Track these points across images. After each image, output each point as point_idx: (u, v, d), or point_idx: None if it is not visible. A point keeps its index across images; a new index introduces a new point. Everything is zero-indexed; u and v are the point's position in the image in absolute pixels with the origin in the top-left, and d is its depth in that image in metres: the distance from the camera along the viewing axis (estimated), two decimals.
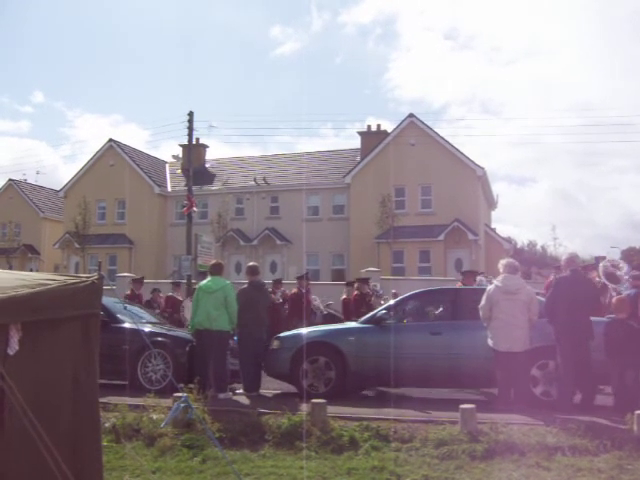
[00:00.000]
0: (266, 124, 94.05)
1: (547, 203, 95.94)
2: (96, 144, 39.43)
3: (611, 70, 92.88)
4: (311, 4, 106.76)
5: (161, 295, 16.66)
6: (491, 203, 39.20)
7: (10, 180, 45.35)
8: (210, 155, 42.20)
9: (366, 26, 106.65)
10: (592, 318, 8.59)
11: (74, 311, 3.78)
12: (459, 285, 12.49)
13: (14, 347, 3.23)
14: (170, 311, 15.58)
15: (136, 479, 6.25)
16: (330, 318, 15.42)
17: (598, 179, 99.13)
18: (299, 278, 14.31)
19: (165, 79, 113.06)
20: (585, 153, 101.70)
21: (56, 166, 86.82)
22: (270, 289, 14.76)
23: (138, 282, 16.87)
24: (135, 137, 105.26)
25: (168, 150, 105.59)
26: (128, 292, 16.28)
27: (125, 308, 10.28)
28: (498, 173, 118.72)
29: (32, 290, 3.46)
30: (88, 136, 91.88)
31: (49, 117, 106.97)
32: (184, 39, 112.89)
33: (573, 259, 8.85)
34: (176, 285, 17.96)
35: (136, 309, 12.11)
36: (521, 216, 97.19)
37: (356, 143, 38.38)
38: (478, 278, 13.52)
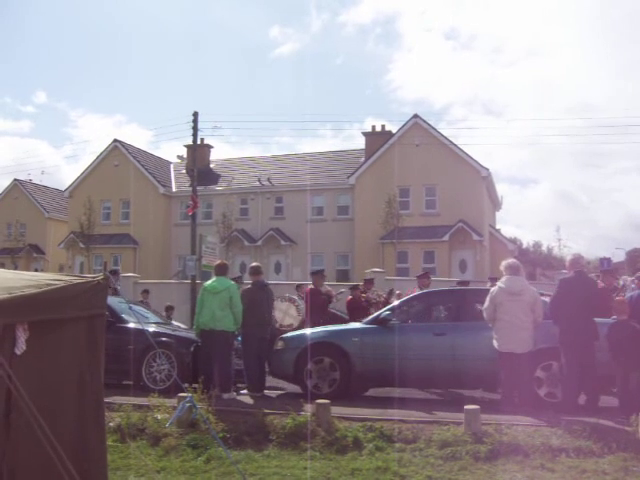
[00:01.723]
0: (267, 124, 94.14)
1: (549, 204, 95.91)
2: (99, 144, 39.73)
3: (613, 71, 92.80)
4: (310, 4, 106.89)
5: None
6: (496, 204, 39.13)
7: (15, 180, 45.47)
8: (214, 155, 42.29)
9: (366, 26, 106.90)
10: (597, 319, 8.58)
11: (80, 311, 3.80)
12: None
13: (21, 347, 3.25)
14: None
15: (141, 478, 6.28)
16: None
17: (600, 180, 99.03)
18: (420, 277, 13.60)
19: (167, 80, 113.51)
20: (587, 154, 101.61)
21: (58, 166, 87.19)
22: (361, 289, 14.30)
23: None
24: (138, 137, 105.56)
25: (170, 150, 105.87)
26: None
27: (130, 308, 10.29)
28: (500, 174, 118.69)
29: (39, 290, 3.48)
30: (91, 136, 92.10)
31: (52, 117, 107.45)
32: (185, 40, 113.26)
33: (577, 260, 8.84)
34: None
35: (141, 309, 12.13)
36: (523, 217, 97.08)
37: (357, 143, 38.44)
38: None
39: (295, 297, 14.63)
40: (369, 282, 15.10)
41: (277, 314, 13.75)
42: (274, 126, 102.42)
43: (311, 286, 12.03)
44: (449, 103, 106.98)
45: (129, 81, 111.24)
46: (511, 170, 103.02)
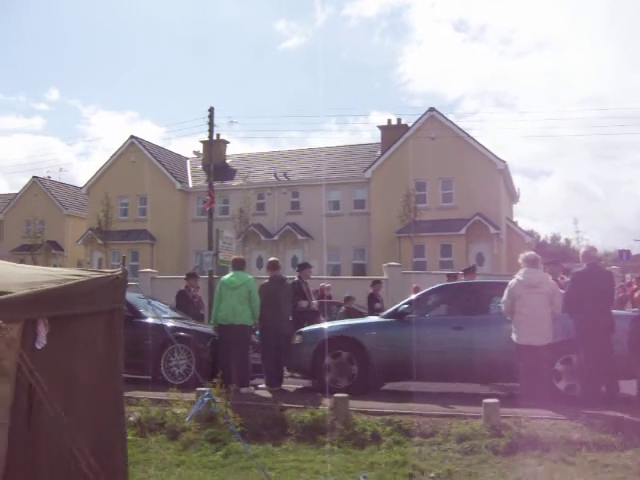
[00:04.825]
0: (275, 119, 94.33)
1: (563, 196, 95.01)
2: (111, 141, 39.92)
3: (626, 61, 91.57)
4: None
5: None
6: (512, 197, 38.87)
7: (34, 177, 45.87)
8: (230, 151, 42.36)
9: (371, 19, 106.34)
10: (616, 312, 8.48)
11: (99, 306, 3.81)
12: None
13: (42, 341, 3.28)
14: None
15: (160, 472, 6.31)
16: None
17: (615, 172, 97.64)
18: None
19: (176, 76, 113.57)
20: (601, 146, 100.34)
21: (71, 163, 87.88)
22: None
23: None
24: (151, 134, 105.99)
25: (182, 146, 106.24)
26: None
27: (149, 303, 10.34)
28: (513, 166, 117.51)
29: (59, 285, 3.50)
30: (103, 133, 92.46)
31: (65, 114, 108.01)
32: (192, 35, 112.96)
33: (589, 253, 8.76)
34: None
35: (159, 304, 12.19)
36: (538, 210, 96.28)
37: (367, 137, 38.36)
38: None
39: None
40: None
41: None
42: (284, 121, 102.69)
43: None
44: (460, 96, 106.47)
45: (140, 77, 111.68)
46: (524, 162, 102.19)
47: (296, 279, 12.12)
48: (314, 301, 12.71)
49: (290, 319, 10.66)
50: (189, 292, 13.99)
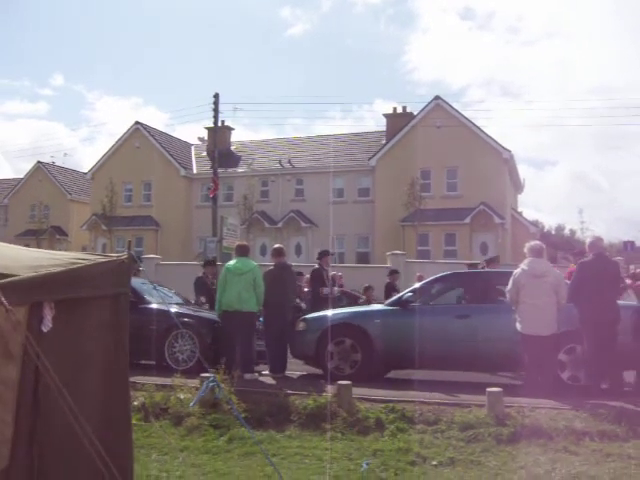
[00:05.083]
0: (280, 106, 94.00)
1: (568, 187, 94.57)
2: (116, 126, 39.97)
3: (634, 52, 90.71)
4: None
5: None
6: (517, 186, 38.77)
7: (39, 162, 45.88)
8: (234, 138, 42.28)
9: (377, 6, 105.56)
10: (621, 303, 8.46)
11: (104, 290, 3.80)
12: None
13: (48, 325, 3.27)
14: None
15: (164, 457, 6.35)
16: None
17: (620, 163, 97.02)
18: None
19: (181, 62, 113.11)
20: (607, 136, 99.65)
21: (75, 148, 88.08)
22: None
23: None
24: (155, 120, 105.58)
25: (186, 132, 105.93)
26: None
27: (154, 289, 10.35)
28: (518, 156, 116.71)
29: (64, 268, 3.49)
30: (108, 118, 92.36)
31: (69, 99, 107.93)
32: (197, 21, 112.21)
33: (595, 243, 8.73)
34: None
35: (164, 290, 12.21)
36: (542, 200, 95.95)
37: (373, 125, 38.23)
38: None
39: None
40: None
41: None
42: (288, 108, 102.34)
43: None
44: (466, 84, 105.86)
45: (145, 63, 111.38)
46: (529, 152, 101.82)
47: (317, 266, 12.13)
48: (335, 288, 12.68)
49: (303, 306, 10.68)
50: (207, 279, 13.97)
